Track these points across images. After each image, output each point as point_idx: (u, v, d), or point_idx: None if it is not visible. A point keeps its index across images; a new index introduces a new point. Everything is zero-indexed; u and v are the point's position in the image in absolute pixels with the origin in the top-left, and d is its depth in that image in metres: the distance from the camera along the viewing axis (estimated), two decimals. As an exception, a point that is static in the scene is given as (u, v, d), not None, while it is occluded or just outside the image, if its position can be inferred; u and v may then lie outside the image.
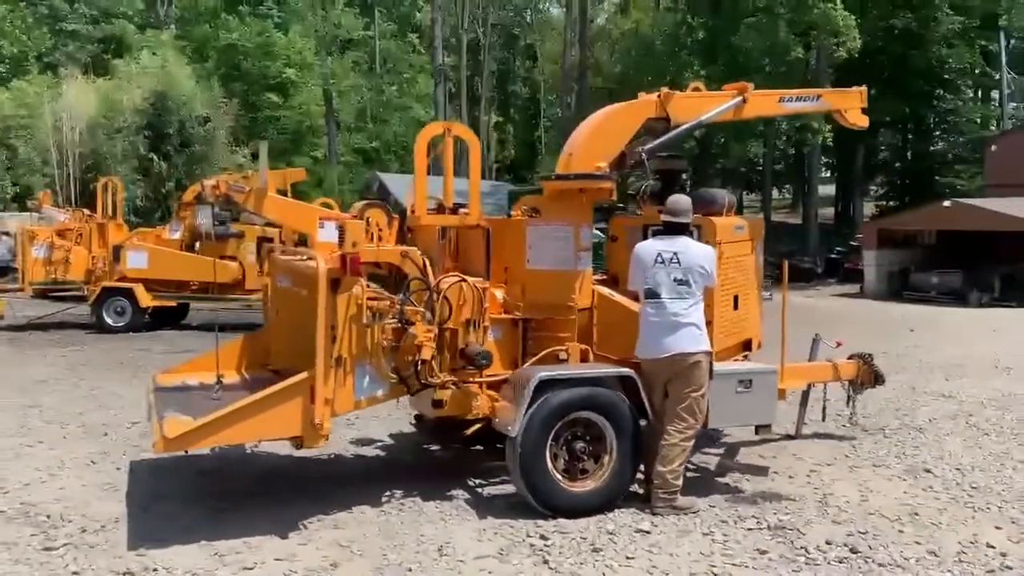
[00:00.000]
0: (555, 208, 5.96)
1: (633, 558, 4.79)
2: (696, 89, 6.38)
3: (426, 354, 5.35)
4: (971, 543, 5.06)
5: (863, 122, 6.93)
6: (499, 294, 5.93)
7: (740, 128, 28.61)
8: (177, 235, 15.05)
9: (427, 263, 5.61)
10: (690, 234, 5.72)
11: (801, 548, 4.94)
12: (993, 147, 29.42)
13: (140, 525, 5.16)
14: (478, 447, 6.70)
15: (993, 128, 33.60)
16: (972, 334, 16.13)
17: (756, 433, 6.71)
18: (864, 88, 6.93)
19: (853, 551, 4.90)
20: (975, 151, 33.55)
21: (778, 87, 29.54)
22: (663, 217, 5.67)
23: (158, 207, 26.10)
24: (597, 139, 5.96)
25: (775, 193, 46.71)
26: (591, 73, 39.15)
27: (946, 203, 25.32)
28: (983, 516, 5.54)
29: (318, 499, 5.65)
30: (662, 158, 6.39)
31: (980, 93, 40.24)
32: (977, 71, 34.43)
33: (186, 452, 5.16)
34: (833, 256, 30.59)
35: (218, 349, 6.00)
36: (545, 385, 5.30)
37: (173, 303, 15.07)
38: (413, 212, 6.20)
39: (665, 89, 6.15)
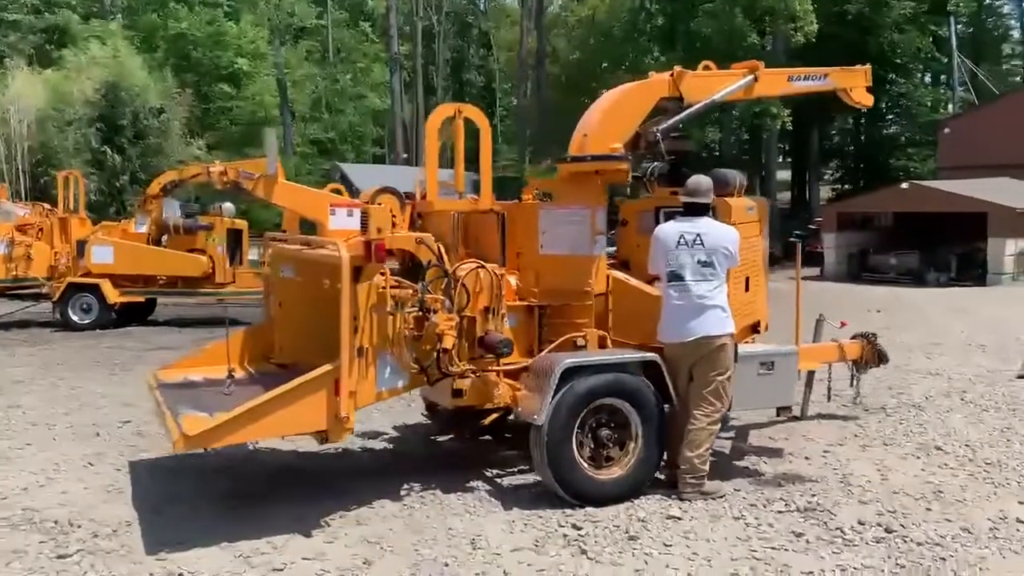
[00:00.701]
0: (570, 191, 5.84)
1: (671, 545, 4.71)
2: (707, 67, 6.30)
3: (448, 343, 5.20)
4: (1001, 519, 5.07)
5: (868, 100, 6.93)
6: (513, 280, 5.80)
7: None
8: (143, 229, 14.61)
9: (442, 250, 5.45)
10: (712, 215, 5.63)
11: (836, 529, 4.90)
12: (946, 130, 29.98)
13: (154, 528, 4.94)
14: (486, 437, 6.58)
15: (945, 111, 34.19)
16: (937, 313, 16.42)
17: (777, 415, 6.67)
18: (868, 66, 6.93)
19: (888, 531, 4.88)
20: (927, 134, 34.17)
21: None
22: (683, 198, 5.58)
23: (112, 201, 25.38)
24: (612, 119, 5.84)
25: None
26: (548, 60, 39.07)
27: (904, 185, 25.73)
28: (1004, 492, 5.57)
29: (334, 495, 5.48)
30: (672, 139, 6.29)
31: (931, 78, 40.99)
32: (927, 55, 34.94)
33: (205, 450, 4.95)
34: (793, 239, 30.91)
35: (228, 343, 5.77)
36: (570, 372, 5.19)
37: (141, 299, 14.65)
38: (423, 198, 6.02)
39: (678, 68, 6.05)
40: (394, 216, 5.56)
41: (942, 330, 13.41)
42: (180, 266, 14.43)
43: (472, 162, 6.23)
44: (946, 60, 36.80)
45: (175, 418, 4.83)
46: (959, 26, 35.24)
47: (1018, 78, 43.06)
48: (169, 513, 5.20)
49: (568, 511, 5.15)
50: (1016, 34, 44.46)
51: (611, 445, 5.37)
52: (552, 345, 5.63)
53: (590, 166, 5.66)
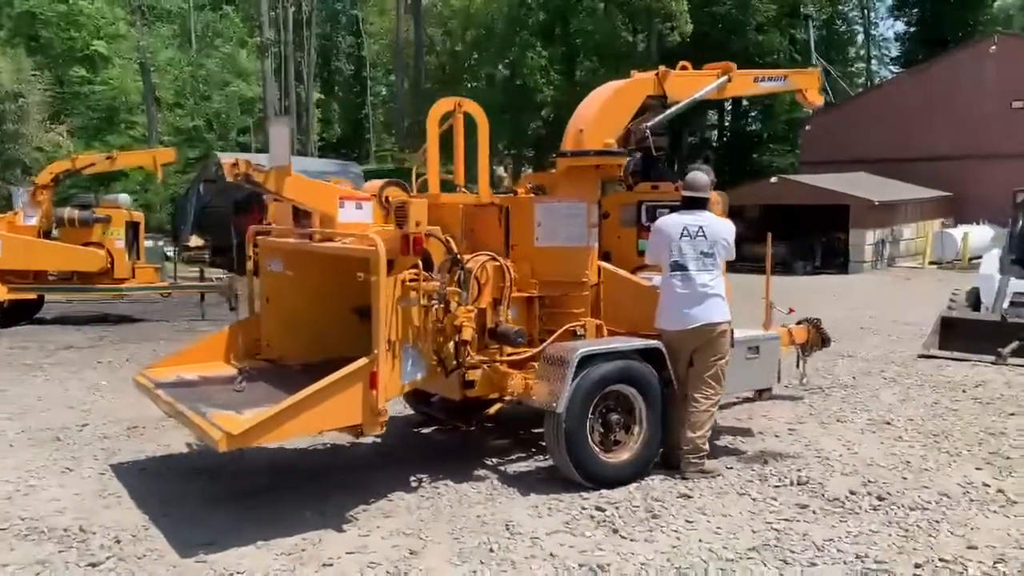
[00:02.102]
0: (568, 185, 6.00)
1: (692, 521, 4.97)
2: (683, 67, 6.59)
3: (467, 335, 5.29)
4: (969, 484, 5.61)
5: (820, 100, 7.42)
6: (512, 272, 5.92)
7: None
8: (33, 221, 13.74)
9: (451, 242, 5.51)
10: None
11: (835, 500, 5.30)
12: (807, 127, 31.85)
13: (175, 531, 4.81)
14: (461, 426, 6.61)
15: (805, 110, 36.16)
16: (815, 300, 17.48)
17: (760, 396, 7.06)
18: (819, 69, 7.43)
19: (880, 499, 5.31)
20: (788, 131, 36.19)
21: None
22: (684, 192, 5.85)
23: (-33, 191, 23.66)
24: (606, 115, 6.05)
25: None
26: (425, 51, 38.98)
27: (773, 179, 27.20)
28: (960, 460, 6.14)
29: (346, 489, 5.47)
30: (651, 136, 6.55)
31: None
32: (787, 57, 36.93)
33: (239, 450, 4.83)
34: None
35: (241, 340, 5.64)
36: (585, 360, 5.37)
37: (32, 296, 13.79)
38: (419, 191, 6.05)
39: (663, 67, 6.32)
40: (403, 209, 5.55)
41: (827, 316, 14.31)
42: (75, 261, 13.68)
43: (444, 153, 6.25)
44: (801, 60, 38.97)
45: (204, 417, 4.71)
46: (812, 27, 37.31)
47: (861, 79, 46.15)
48: (179, 515, 5.06)
49: (584, 494, 5.35)
50: (861, 38, 47.92)
51: (619, 429, 5.60)
52: (555, 335, 5.79)
53: (591, 160, 5.85)
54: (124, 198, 14.87)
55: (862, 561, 4.42)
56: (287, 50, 44.61)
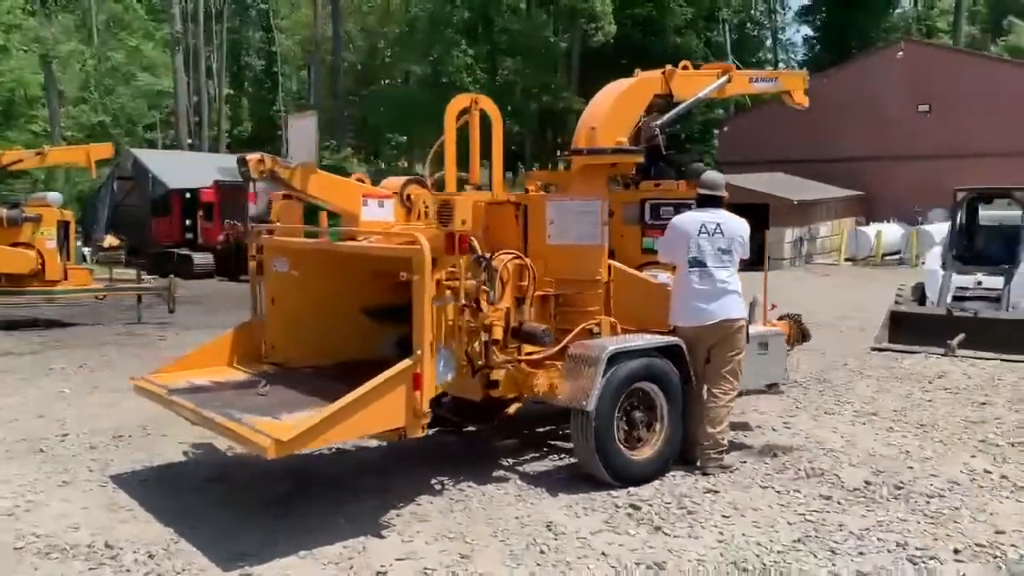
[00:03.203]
0: (581, 183, 6.00)
1: (728, 516, 5.04)
2: (685, 67, 6.66)
3: (497, 334, 5.23)
4: (971, 471, 5.85)
5: (805, 102, 7.61)
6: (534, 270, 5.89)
7: (511, 108, 29.48)
8: (-45, 220, 12.97)
9: (475, 241, 5.43)
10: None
11: (855, 490, 5.45)
12: (725, 128, 32.70)
13: (208, 544, 4.60)
14: (480, 427, 6.57)
15: (720, 112, 37.16)
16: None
17: (769, 391, 7.17)
18: (806, 72, 7.62)
19: (897, 487, 5.49)
20: (704, 132, 37.05)
21: (536, 71, 30.66)
22: (700, 191, 5.91)
23: None
24: (617, 114, 6.08)
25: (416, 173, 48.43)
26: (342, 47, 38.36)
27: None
28: (954, 448, 6.40)
29: (370, 494, 5.34)
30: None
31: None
32: (703, 58, 37.79)
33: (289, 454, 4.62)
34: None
35: (278, 344, 5.42)
36: (612, 358, 5.37)
37: (-44, 299, 13.02)
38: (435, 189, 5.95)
39: (669, 66, 6.38)
40: (427, 207, 5.46)
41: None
42: (4, 262, 12.96)
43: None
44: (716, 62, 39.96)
45: (243, 424, 4.52)
46: (727, 30, 38.30)
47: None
48: (208, 527, 4.84)
49: (613, 492, 5.35)
50: (770, 42, 49.36)
51: (641, 427, 5.62)
52: (572, 334, 5.77)
53: (609, 158, 5.86)
54: (54, 196, 14.18)
55: (904, 549, 4.55)
56: (197, 43, 43.34)
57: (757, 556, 4.46)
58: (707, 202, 5.88)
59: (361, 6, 41.53)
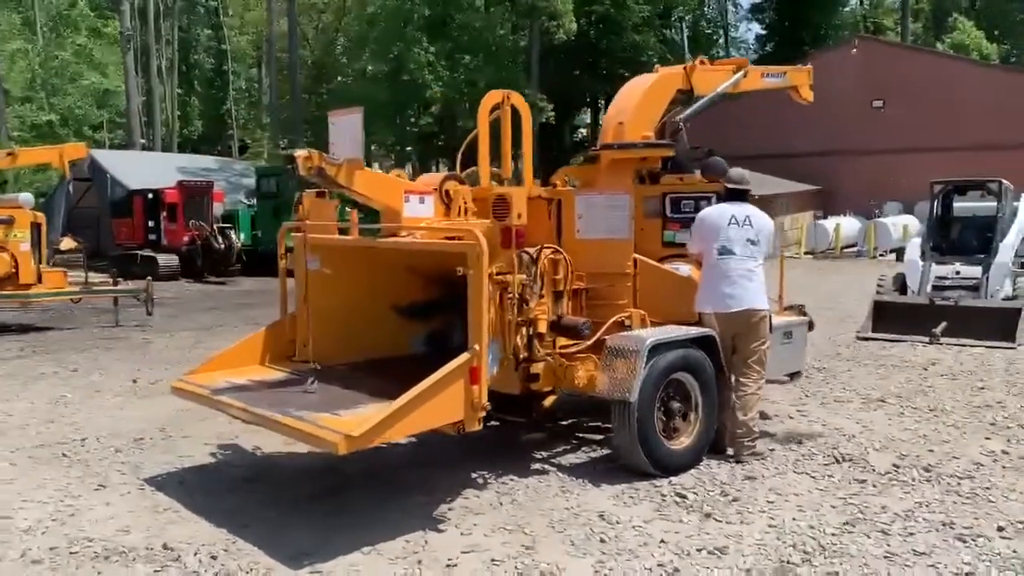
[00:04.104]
0: (610, 177, 6.07)
1: (772, 501, 5.15)
2: (702, 62, 6.77)
3: (542, 327, 5.28)
4: (989, 452, 6.06)
5: (811, 96, 7.78)
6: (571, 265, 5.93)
7: (471, 106, 29.42)
8: (-75, 224, 12.58)
9: (516, 236, 5.47)
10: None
11: (886, 474, 5.61)
12: (688, 124, 32.99)
13: (267, 542, 4.57)
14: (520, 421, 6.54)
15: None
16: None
17: (791, 380, 7.32)
18: (811, 67, 7.79)
19: (926, 470, 5.66)
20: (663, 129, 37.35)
21: (497, 68, 30.65)
22: (728, 185, 6.02)
23: None
24: (644, 109, 6.15)
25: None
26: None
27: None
28: (968, 431, 6.61)
29: (414, 489, 5.35)
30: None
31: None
32: (660, 57, 38.20)
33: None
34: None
35: (311, 341, 5.38)
36: (653, 349, 5.45)
37: (-73, 304, 12.63)
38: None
39: (691, 62, 6.47)
40: (466, 203, 5.48)
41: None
42: (-27, 266, 12.62)
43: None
44: (672, 59, 40.41)
45: (305, 420, 4.50)
46: (683, 27, 38.77)
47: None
48: (260, 526, 4.80)
49: (655, 482, 5.43)
50: (722, 40, 50.02)
51: (678, 417, 5.71)
52: (604, 326, 5.84)
53: (640, 153, 5.94)
54: (25, 197, 13.85)
55: (951, 528, 4.71)
56: (147, 40, 42.48)
57: (813, 539, 4.57)
58: (734, 196, 5.99)
59: (316, 3, 41.04)
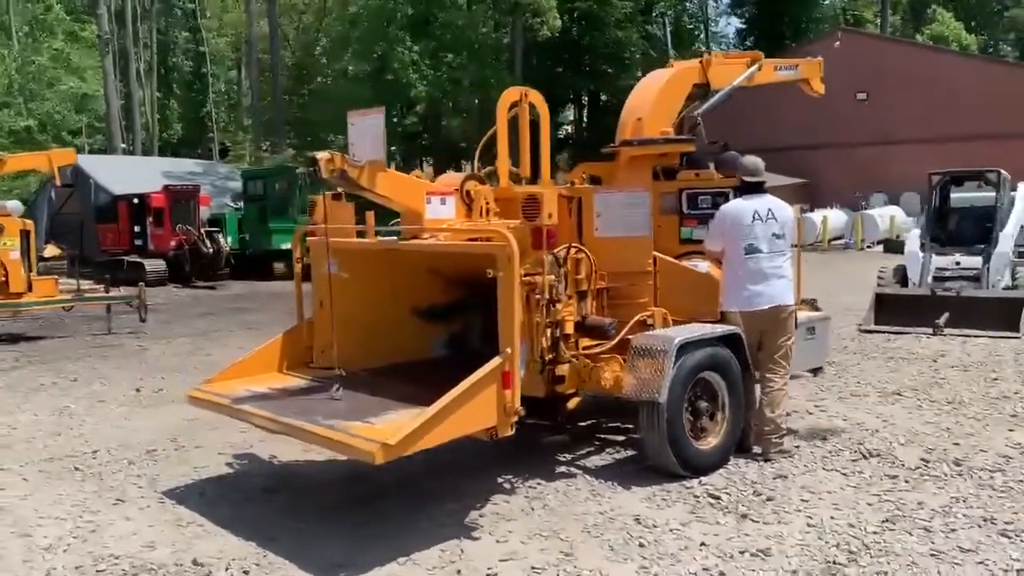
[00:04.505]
0: (629, 174, 5.98)
1: (807, 500, 5.09)
2: (723, 56, 6.69)
3: (569, 328, 5.19)
4: (1016, 444, 6.02)
5: (822, 89, 7.73)
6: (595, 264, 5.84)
7: (454, 104, 29.40)
8: (-88, 232, 12.32)
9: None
10: None
11: (916, 468, 5.56)
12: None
13: (299, 555, 4.45)
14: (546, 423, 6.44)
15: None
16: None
17: (813, 375, 7.26)
18: (821, 59, 7.74)
19: (956, 464, 5.62)
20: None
21: (481, 67, 30.47)
22: (745, 178, 5.94)
23: None
24: (662, 104, 6.07)
25: (469, 169, 48.25)
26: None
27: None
28: (991, 424, 6.58)
29: (441, 496, 5.25)
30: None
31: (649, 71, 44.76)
32: (642, 53, 38.17)
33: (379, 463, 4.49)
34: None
35: (336, 347, 5.26)
36: (681, 349, 5.37)
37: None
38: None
39: (707, 55, 6.39)
40: (488, 204, 5.37)
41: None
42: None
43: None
44: (656, 56, 40.39)
45: (336, 429, 4.39)
46: (665, 24, 38.70)
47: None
48: (287, 539, 4.68)
49: (686, 483, 5.35)
50: (702, 35, 50.12)
51: (705, 416, 5.63)
52: (628, 326, 5.75)
53: (660, 148, 5.86)
54: (14, 205, 13.63)
55: (992, 524, 4.65)
56: (125, 44, 42.00)
57: (855, 538, 4.51)
58: (751, 189, 5.91)
59: (296, 4, 40.70)
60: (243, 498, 5.39)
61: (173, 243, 22.26)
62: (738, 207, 5.87)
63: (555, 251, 5.20)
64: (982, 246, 11.70)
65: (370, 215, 5.86)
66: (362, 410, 4.75)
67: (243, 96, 52.76)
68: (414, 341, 5.98)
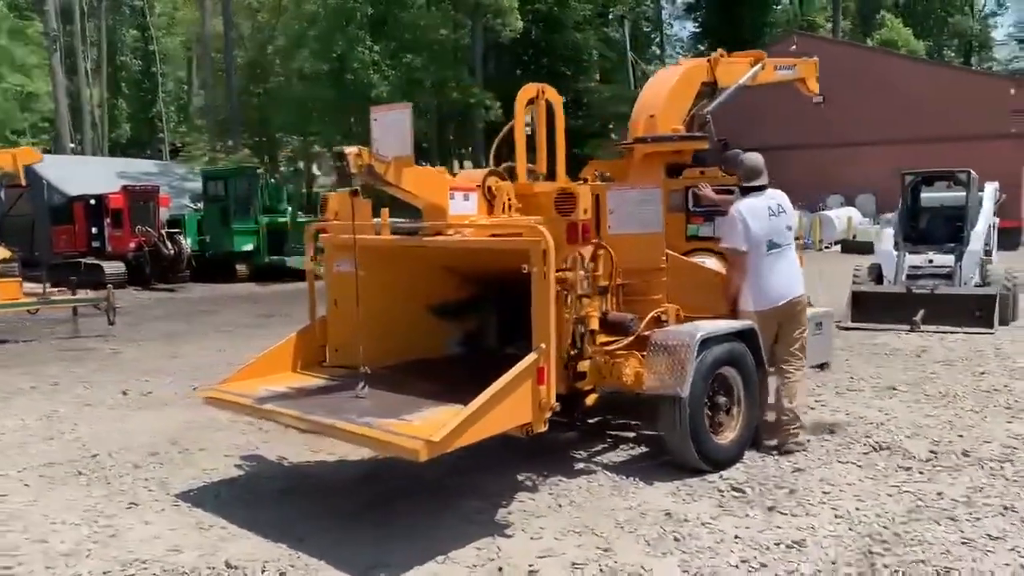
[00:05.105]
0: (640, 171, 6.00)
1: (828, 492, 5.15)
2: (722, 55, 6.75)
3: (594, 324, 5.18)
4: (1017, 435, 6.17)
5: (816, 89, 7.84)
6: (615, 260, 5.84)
7: (416, 105, 29.17)
8: None
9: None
10: None
11: (927, 460, 5.67)
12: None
13: (334, 556, 4.37)
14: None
15: (624, 108, 37.75)
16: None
17: (821, 370, 7.34)
18: (816, 59, 7.85)
19: (965, 455, 5.73)
20: (604, 126, 37.68)
21: (442, 67, 30.46)
22: (746, 183, 5.99)
23: None
24: (675, 101, 6.10)
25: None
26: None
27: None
28: (989, 416, 6.73)
29: (464, 494, 5.21)
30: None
31: (600, 75, 45.03)
32: (601, 55, 38.39)
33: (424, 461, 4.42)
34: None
35: (329, 345, 5.18)
36: (702, 344, 5.39)
37: None
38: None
39: (715, 53, 6.45)
40: (510, 200, 5.34)
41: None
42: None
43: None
44: (614, 57, 40.62)
45: (374, 427, 4.32)
46: (624, 26, 38.97)
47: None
48: (316, 540, 4.59)
49: (707, 478, 5.38)
50: (657, 38, 50.64)
51: (722, 411, 5.67)
52: (643, 321, 5.75)
53: (675, 145, 5.88)
54: (-23, 204, 13.18)
55: (1014, 511, 4.75)
56: (72, 42, 41.06)
57: (885, 528, 4.57)
58: (759, 186, 5.97)
59: (251, 3, 40.10)
60: (260, 500, 5.28)
61: (132, 245, 21.82)
62: (754, 205, 5.91)
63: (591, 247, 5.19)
64: (953, 244, 11.97)
65: (384, 211, 5.80)
66: (392, 408, 4.69)
67: (194, 96, 51.88)
68: (429, 339, 5.92)
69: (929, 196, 13.07)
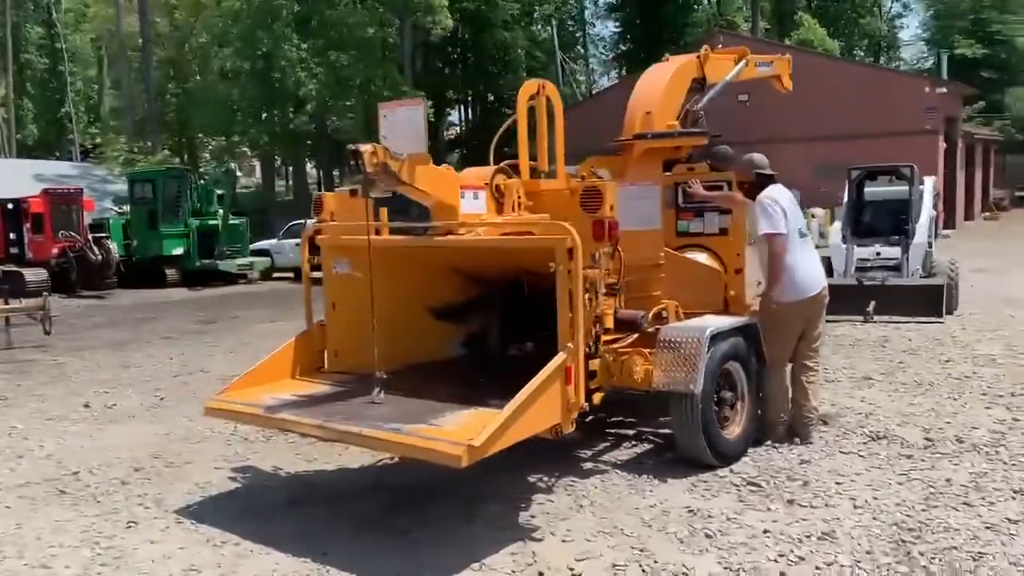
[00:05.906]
0: (639, 168, 5.97)
1: (841, 483, 5.21)
2: (708, 52, 6.76)
3: (608, 322, 5.13)
4: (1000, 420, 6.36)
5: (790, 86, 7.94)
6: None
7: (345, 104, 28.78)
8: None
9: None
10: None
11: (925, 448, 5.79)
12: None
13: (363, 570, 4.22)
14: None
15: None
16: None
17: None
18: (790, 56, 7.96)
19: (958, 440, 5.88)
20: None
21: (370, 65, 29.99)
22: (758, 171, 6.03)
23: None
24: (669, 97, 6.09)
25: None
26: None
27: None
28: (968, 403, 6.92)
29: (481, 499, 5.09)
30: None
31: (526, 74, 45.12)
32: (528, 53, 38.46)
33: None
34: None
35: (328, 349, 4.99)
36: (712, 340, 5.40)
37: None
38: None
39: (703, 50, 6.46)
40: (520, 197, 5.24)
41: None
42: None
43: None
44: (542, 56, 40.80)
45: (407, 434, 4.18)
46: (549, 28, 39.22)
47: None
48: (339, 552, 4.42)
49: (719, 473, 5.39)
50: (581, 37, 50.99)
51: (726, 406, 5.69)
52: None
53: (675, 142, 5.87)
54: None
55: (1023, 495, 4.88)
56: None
57: (908, 516, 4.64)
58: (767, 180, 6.02)
59: (167, 0, 38.86)
60: (267, 513, 5.07)
61: (55, 251, 20.91)
62: (782, 195, 5.92)
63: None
64: (899, 237, 12.31)
65: (384, 211, 5.63)
66: (414, 413, 4.54)
67: (106, 95, 50.07)
68: (432, 341, 5.79)
69: (873, 190, 13.42)
